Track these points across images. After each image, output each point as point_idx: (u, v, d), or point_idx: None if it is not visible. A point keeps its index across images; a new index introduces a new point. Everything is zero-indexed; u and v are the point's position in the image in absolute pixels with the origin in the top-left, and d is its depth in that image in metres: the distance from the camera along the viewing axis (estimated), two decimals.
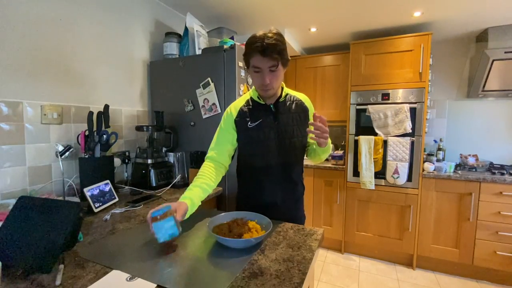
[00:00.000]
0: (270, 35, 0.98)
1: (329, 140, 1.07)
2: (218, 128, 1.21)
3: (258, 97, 1.14)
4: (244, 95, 1.21)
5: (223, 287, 0.67)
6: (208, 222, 0.95)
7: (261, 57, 0.98)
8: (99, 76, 1.64)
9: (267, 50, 0.96)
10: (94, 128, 1.44)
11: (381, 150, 2.40)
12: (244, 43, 1.98)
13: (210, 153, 1.18)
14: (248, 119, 1.13)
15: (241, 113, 1.15)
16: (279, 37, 1.00)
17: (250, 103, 1.16)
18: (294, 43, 2.84)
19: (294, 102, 1.17)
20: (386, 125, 2.40)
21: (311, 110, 1.20)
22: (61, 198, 1.35)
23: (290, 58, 1.07)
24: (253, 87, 1.16)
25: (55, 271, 0.73)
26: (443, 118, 2.80)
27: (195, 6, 2.10)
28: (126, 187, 1.65)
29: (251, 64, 1.03)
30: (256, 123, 1.13)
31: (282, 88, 1.16)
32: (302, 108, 1.18)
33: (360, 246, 2.65)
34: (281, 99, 1.15)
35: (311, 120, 1.15)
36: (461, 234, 2.24)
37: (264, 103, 1.14)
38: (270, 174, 1.15)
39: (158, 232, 0.86)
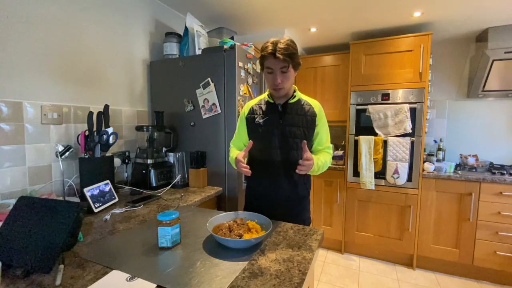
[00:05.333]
0: (282, 40, 1.11)
1: (315, 167, 1.14)
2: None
3: (270, 97, 1.25)
4: (260, 96, 1.34)
5: (223, 287, 0.68)
6: (208, 222, 0.95)
7: (273, 59, 1.09)
8: (99, 76, 1.64)
9: (278, 52, 1.07)
10: (94, 128, 1.44)
11: (381, 150, 2.40)
12: (244, 43, 2.00)
13: (231, 144, 1.40)
14: (256, 116, 1.26)
15: (251, 110, 1.29)
16: (291, 43, 1.12)
17: (262, 102, 1.28)
18: None
19: (304, 105, 1.24)
20: (386, 125, 2.40)
21: (320, 116, 1.24)
22: (61, 198, 1.35)
23: (301, 62, 1.18)
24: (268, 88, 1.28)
25: (55, 271, 0.73)
26: (443, 118, 2.80)
27: (195, 6, 2.10)
28: (126, 187, 1.65)
29: (265, 65, 1.15)
30: (263, 120, 1.24)
31: (295, 91, 1.25)
32: (310, 112, 1.22)
33: (360, 246, 2.65)
34: (291, 101, 1.23)
35: (318, 125, 1.25)
36: (461, 234, 2.24)
37: (273, 102, 1.24)
38: (272, 169, 1.23)
39: (162, 236, 0.87)
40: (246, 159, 1.25)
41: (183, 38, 1.97)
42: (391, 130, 2.37)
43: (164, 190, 1.63)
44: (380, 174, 2.45)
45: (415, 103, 2.31)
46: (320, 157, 1.20)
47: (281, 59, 1.08)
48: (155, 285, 0.68)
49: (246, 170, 1.09)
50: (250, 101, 1.35)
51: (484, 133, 2.66)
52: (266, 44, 1.12)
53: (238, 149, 1.34)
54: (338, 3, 2.01)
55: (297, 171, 1.08)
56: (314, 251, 0.86)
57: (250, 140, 1.16)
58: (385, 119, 2.39)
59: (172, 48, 1.97)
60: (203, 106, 1.79)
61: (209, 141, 1.80)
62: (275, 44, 1.09)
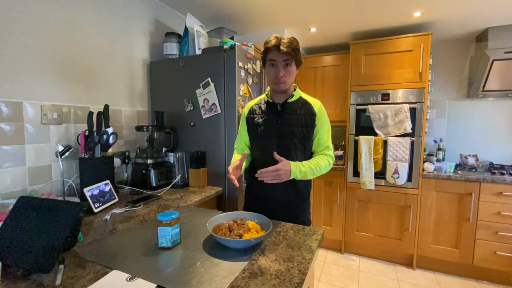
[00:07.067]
0: (285, 36, 1.13)
1: (296, 173, 1.10)
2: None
3: (269, 96, 1.25)
4: (260, 96, 1.34)
5: (223, 287, 0.68)
6: (208, 222, 0.95)
7: (277, 52, 1.10)
8: (99, 76, 1.64)
9: (282, 46, 1.09)
10: (94, 128, 1.44)
11: (381, 150, 2.40)
12: (244, 43, 1.99)
13: (235, 145, 1.38)
14: (256, 116, 1.26)
15: (251, 110, 1.29)
16: (294, 39, 1.13)
17: (262, 102, 1.28)
18: None
19: (304, 105, 1.21)
20: (386, 125, 2.40)
21: (320, 115, 1.21)
22: (61, 198, 1.35)
23: (302, 60, 1.19)
24: (268, 88, 1.27)
25: (55, 271, 0.73)
26: (443, 118, 2.80)
27: (195, 6, 2.10)
28: (126, 187, 1.65)
29: (268, 58, 1.15)
30: (262, 119, 1.23)
31: (295, 89, 1.24)
32: (309, 112, 1.20)
33: (360, 246, 2.65)
34: (290, 100, 1.21)
35: (317, 124, 1.21)
36: (461, 234, 2.24)
37: (272, 101, 1.23)
38: None
39: (162, 236, 0.87)
40: (244, 166, 1.21)
41: (183, 38, 1.97)
42: (391, 130, 2.37)
43: (164, 190, 1.63)
44: (380, 174, 2.45)
45: (415, 103, 2.31)
46: (312, 161, 1.17)
47: (285, 51, 1.08)
48: (155, 285, 0.68)
49: (234, 182, 1.07)
50: (250, 101, 1.35)
51: (484, 133, 2.66)
52: (269, 38, 1.13)
53: (240, 151, 1.33)
54: (338, 3, 2.01)
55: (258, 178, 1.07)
56: (314, 251, 0.86)
57: (245, 152, 1.15)
58: (385, 119, 2.39)
59: (172, 48, 1.97)
60: (203, 106, 1.79)
61: (209, 141, 1.80)
62: (279, 38, 1.11)
